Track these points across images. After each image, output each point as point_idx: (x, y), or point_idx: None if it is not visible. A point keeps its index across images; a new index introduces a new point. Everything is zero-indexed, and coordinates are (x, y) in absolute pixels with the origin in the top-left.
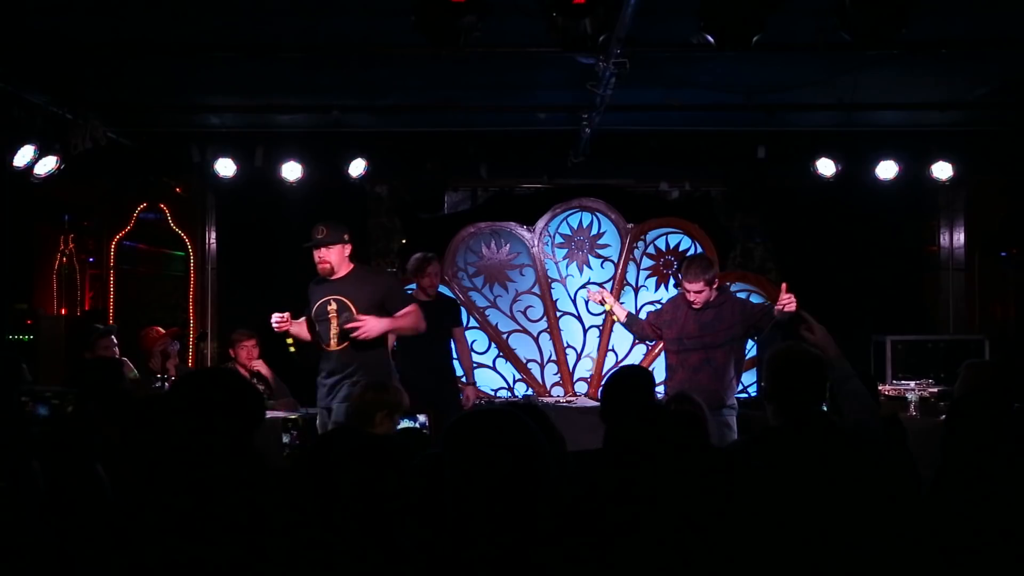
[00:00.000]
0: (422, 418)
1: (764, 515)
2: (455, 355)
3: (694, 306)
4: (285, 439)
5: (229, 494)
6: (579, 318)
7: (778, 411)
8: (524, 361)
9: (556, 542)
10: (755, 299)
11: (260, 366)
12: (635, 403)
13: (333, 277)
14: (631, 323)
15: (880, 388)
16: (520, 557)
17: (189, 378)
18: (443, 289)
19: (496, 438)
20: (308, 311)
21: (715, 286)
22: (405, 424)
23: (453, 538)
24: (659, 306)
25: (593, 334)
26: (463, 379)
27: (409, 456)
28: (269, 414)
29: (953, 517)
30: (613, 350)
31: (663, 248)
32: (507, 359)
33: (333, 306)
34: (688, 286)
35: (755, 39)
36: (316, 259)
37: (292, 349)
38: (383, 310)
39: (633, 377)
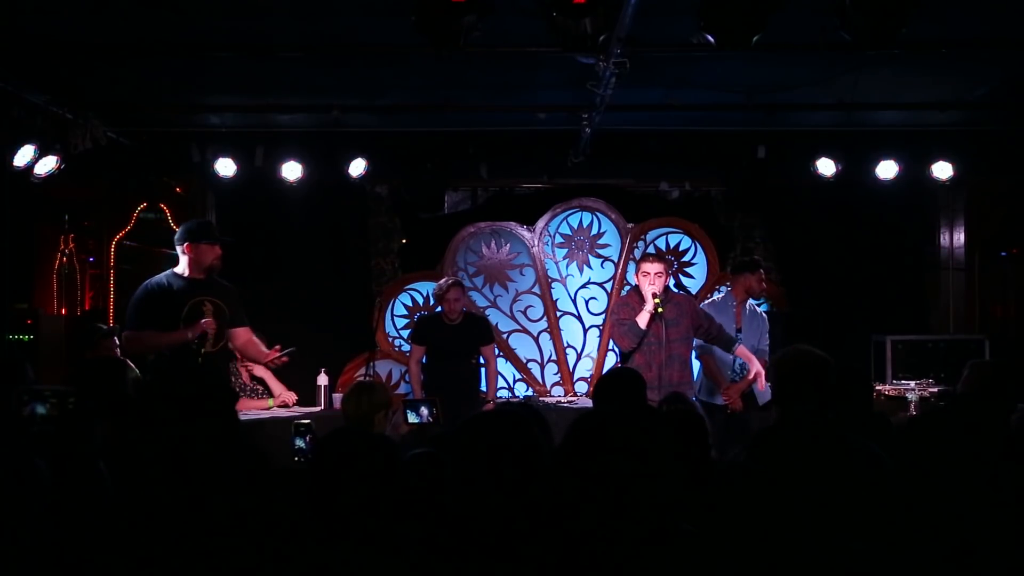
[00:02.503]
0: (424, 411)
1: (764, 517)
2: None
3: (654, 297)
4: (300, 444)
5: (228, 493)
6: (579, 318)
7: (784, 413)
8: (524, 361)
9: (550, 539)
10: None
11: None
12: (626, 404)
13: (202, 278)
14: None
15: (880, 388)
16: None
17: (163, 376)
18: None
19: (499, 437)
20: (167, 312)
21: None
22: (413, 419)
23: (453, 533)
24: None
25: (593, 334)
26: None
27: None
28: (276, 414)
29: (950, 516)
30: (613, 350)
31: (663, 248)
32: (507, 359)
33: (209, 307)
34: (648, 267)
35: (755, 39)
36: (212, 256)
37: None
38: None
39: (623, 379)
